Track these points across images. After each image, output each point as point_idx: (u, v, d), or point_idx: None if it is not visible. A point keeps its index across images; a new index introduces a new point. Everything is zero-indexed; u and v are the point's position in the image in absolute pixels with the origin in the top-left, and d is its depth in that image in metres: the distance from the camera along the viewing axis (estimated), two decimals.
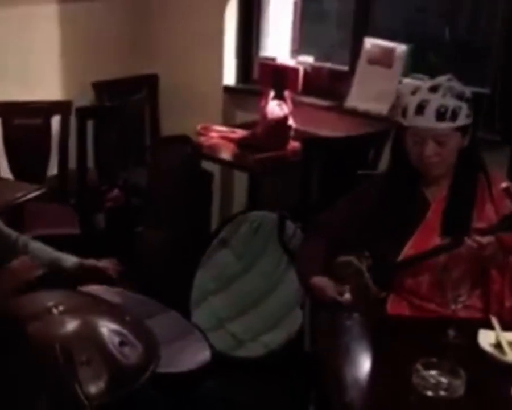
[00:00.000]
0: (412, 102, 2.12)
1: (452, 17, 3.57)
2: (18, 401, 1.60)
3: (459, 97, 2.10)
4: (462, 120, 2.10)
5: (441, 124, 2.09)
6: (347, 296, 2.09)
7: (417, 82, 2.28)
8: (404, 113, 2.14)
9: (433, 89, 2.12)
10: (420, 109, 2.09)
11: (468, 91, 2.14)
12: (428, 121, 2.09)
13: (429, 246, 2.13)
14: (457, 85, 2.14)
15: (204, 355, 2.23)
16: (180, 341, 2.24)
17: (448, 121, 2.08)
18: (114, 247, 3.69)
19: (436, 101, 2.09)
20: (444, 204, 2.18)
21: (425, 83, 2.18)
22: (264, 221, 3.24)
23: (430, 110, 2.08)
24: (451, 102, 2.08)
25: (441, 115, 2.08)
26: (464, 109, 2.10)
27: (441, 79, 2.15)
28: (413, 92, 2.15)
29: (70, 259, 2.30)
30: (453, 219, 2.15)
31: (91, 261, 2.31)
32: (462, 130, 2.12)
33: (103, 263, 2.32)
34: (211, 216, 3.89)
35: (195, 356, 2.20)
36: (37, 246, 2.35)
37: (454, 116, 2.08)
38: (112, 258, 2.36)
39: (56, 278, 2.19)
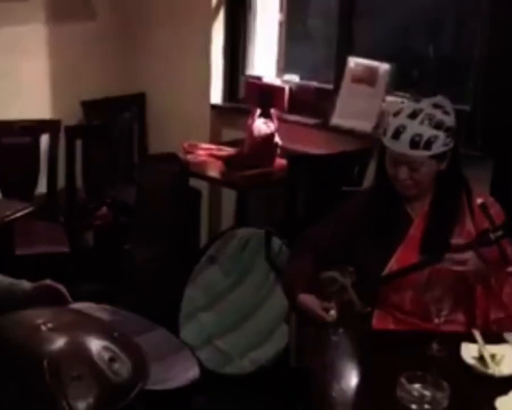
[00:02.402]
0: (392, 124, 2.13)
1: (434, 36, 3.62)
2: None
3: (438, 126, 2.10)
4: (437, 149, 2.10)
5: (414, 152, 2.09)
6: (333, 313, 2.11)
7: (402, 103, 2.26)
8: (384, 133, 2.17)
9: (413, 115, 2.11)
10: (397, 133, 2.10)
11: (449, 119, 2.13)
12: (401, 147, 2.10)
13: (413, 261, 2.16)
14: (439, 113, 2.12)
15: (193, 372, 2.23)
16: (168, 359, 2.24)
17: (421, 150, 2.09)
18: (102, 264, 3.72)
19: (412, 128, 2.09)
20: (426, 220, 2.21)
21: (409, 105, 2.17)
22: (251, 238, 3.27)
23: (405, 137, 2.09)
24: (427, 131, 2.09)
25: (415, 143, 2.08)
26: (441, 138, 2.09)
27: (426, 103, 2.14)
28: (396, 114, 2.16)
29: (23, 283, 2.11)
30: (433, 235, 2.18)
31: (45, 282, 2.10)
32: (438, 157, 2.13)
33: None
34: (200, 233, 3.91)
35: (184, 373, 2.21)
36: None
37: (428, 145, 2.09)
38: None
39: (8, 304, 2.09)
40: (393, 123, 2.13)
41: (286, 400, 2.57)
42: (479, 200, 2.10)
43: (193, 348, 2.67)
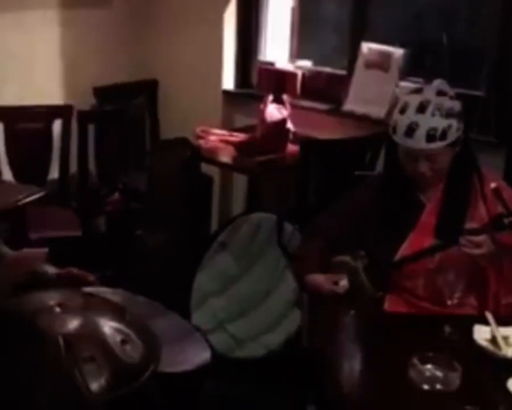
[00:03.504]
0: (401, 122, 2.10)
1: (448, 22, 3.59)
2: (17, 391, 1.62)
3: (449, 114, 2.08)
4: (452, 136, 2.09)
5: (431, 145, 2.08)
6: (344, 283, 2.10)
7: (409, 94, 2.22)
8: (394, 130, 2.13)
9: (421, 109, 2.08)
10: (410, 131, 2.08)
11: (457, 104, 2.12)
12: (418, 143, 2.08)
13: (424, 246, 2.15)
14: (446, 100, 2.10)
15: (204, 356, 2.24)
16: (180, 342, 2.25)
17: (438, 141, 2.08)
18: (114, 250, 3.73)
19: (425, 123, 2.07)
20: (439, 205, 2.20)
21: (414, 98, 2.13)
22: (263, 223, 3.27)
23: (420, 133, 2.06)
24: (440, 123, 2.07)
25: (431, 137, 2.07)
26: (454, 125, 2.08)
27: (429, 93, 2.11)
28: (402, 110, 2.12)
29: (50, 268, 2.12)
30: (447, 220, 2.17)
31: (68, 269, 2.13)
32: (453, 143, 2.12)
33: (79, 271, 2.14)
34: (211, 218, 3.92)
35: (195, 356, 2.21)
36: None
37: (444, 135, 2.07)
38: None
39: (36, 286, 2.12)
40: (402, 120, 2.10)
41: (297, 384, 2.57)
42: (492, 185, 2.09)
43: (204, 332, 2.67)
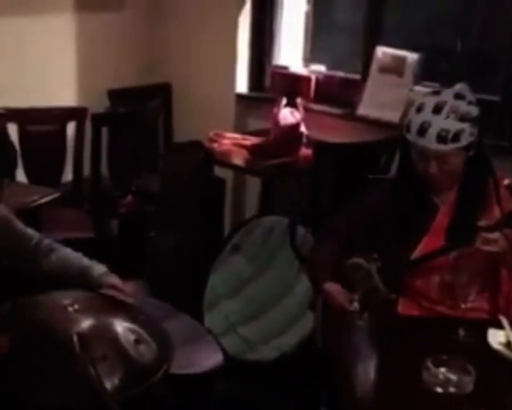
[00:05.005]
0: (415, 121, 2.10)
1: (463, 26, 3.59)
2: (33, 389, 1.63)
3: (463, 118, 2.07)
4: (465, 140, 2.08)
5: (442, 147, 2.07)
6: (356, 305, 2.11)
7: (427, 95, 2.20)
8: (408, 129, 2.13)
9: (437, 110, 2.07)
10: (422, 130, 2.07)
11: (474, 109, 2.10)
12: (429, 143, 2.07)
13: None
14: (463, 104, 2.09)
15: (216, 358, 2.25)
16: (192, 344, 2.26)
17: (449, 143, 2.06)
18: (127, 252, 3.74)
19: (437, 124, 2.06)
20: (453, 208, 2.19)
21: (431, 99, 2.12)
22: (276, 226, 3.27)
23: (432, 133, 2.06)
24: (453, 125, 2.06)
25: (442, 138, 2.06)
26: (467, 129, 2.07)
27: (448, 95, 2.10)
28: (418, 109, 2.11)
29: (98, 270, 2.13)
30: (461, 222, 2.16)
31: (115, 280, 2.12)
32: (466, 147, 2.10)
33: (127, 286, 2.12)
34: (224, 221, 3.92)
35: (207, 358, 2.22)
36: (63, 253, 2.20)
37: (455, 138, 2.06)
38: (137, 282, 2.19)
39: (83, 286, 2.07)
40: (416, 119, 2.10)
41: (308, 386, 2.57)
42: (506, 181, 2.08)
43: (216, 335, 2.68)
